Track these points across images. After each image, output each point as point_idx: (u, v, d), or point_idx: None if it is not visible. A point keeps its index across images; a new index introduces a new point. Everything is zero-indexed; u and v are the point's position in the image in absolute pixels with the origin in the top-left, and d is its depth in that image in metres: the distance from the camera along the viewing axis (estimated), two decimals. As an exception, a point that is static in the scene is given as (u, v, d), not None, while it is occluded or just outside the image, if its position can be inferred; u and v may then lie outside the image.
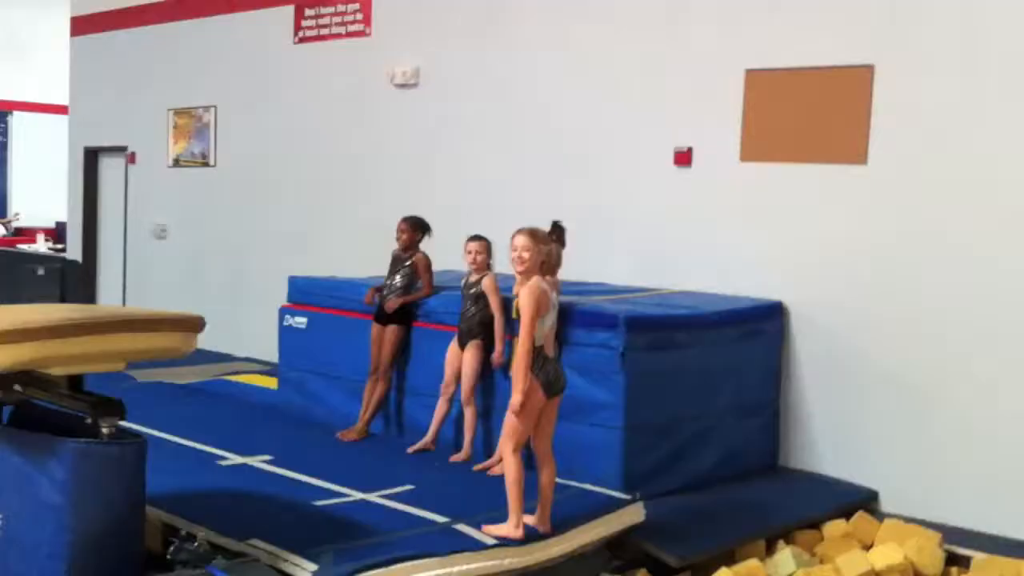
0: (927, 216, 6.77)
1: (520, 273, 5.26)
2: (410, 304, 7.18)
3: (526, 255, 5.19)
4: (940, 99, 6.71)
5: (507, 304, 6.58)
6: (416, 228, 7.24)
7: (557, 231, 5.84)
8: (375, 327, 7.22)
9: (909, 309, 6.82)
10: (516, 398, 5.06)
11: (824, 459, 7.21)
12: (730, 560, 5.77)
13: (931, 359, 6.74)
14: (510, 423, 5.16)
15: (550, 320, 5.22)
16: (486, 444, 6.61)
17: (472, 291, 6.65)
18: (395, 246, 7.29)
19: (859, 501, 6.78)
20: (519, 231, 5.29)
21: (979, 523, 6.42)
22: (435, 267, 7.33)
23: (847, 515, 6.51)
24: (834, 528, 6.37)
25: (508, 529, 5.13)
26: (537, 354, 5.12)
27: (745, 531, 6.07)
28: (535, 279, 5.17)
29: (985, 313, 6.53)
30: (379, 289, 7.28)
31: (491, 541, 5.05)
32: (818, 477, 7.17)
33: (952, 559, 5.99)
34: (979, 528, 6.40)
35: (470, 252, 6.64)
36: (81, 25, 13.66)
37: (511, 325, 6.17)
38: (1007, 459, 6.43)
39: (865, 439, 7.01)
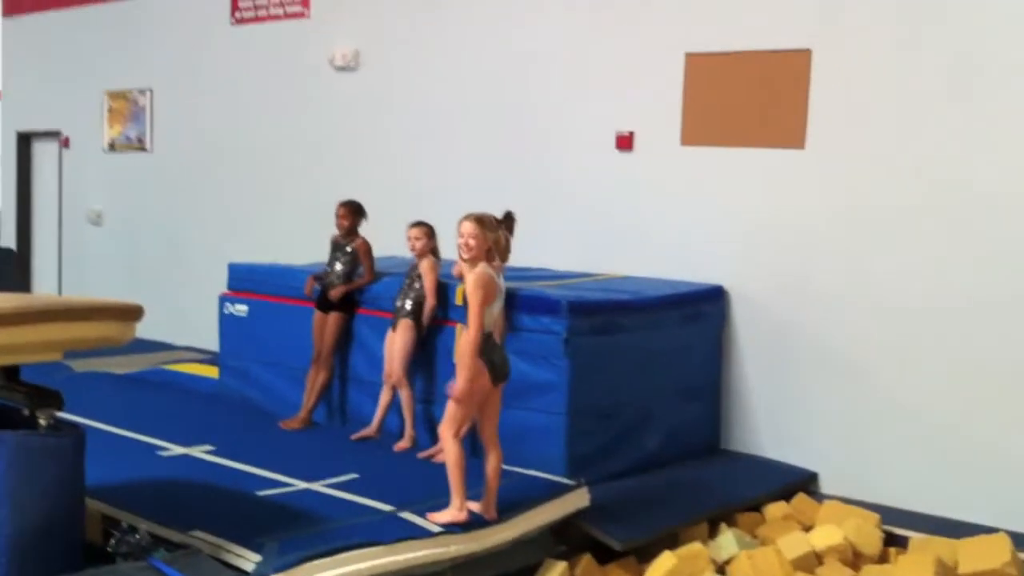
0: (863, 198, 6.85)
1: (466, 260, 5.22)
2: (353, 291, 7.14)
3: (472, 242, 5.15)
4: (877, 82, 6.79)
5: (444, 289, 6.59)
6: (356, 213, 7.19)
7: (508, 220, 5.79)
8: (317, 314, 7.17)
9: (847, 291, 6.91)
10: (461, 385, 5.05)
11: (765, 441, 7.30)
12: (673, 543, 5.82)
13: (869, 341, 6.84)
14: (451, 409, 5.16)
15: (498, 307, 5.22)
16: (432, 431, 6.59)
17: (410, 272, 6.68)
18: (335, 231, 7.24)
19: (799, 483, 6.87)
20: (466, 217, 5.23)
21: (916, 504, 6.53)
22: (378, 253, 7.29)
23: (788, 497, 6.60)
24: (775, 510, 6.45)
25: (452, 513, 5.14)
26: (486, 340, 5.12)
27: (688, 514, 6.12)
28: (482, 266, 5.15)
29: (920, 293, 6.63)
30: (319, 277, 7.23)
31: (437, 528, 5.05)
32: (759, 459, 7.26)
33: (890, 539, 6.09)
34: (917, 509, 6.51)
35: (410, 238, 6.62)
36: (12, 5, 13.37)
37: (458, 312, 6.18)
38: (943, 441, 6.55)
39: (805, 421, 7.10)
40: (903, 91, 6.69)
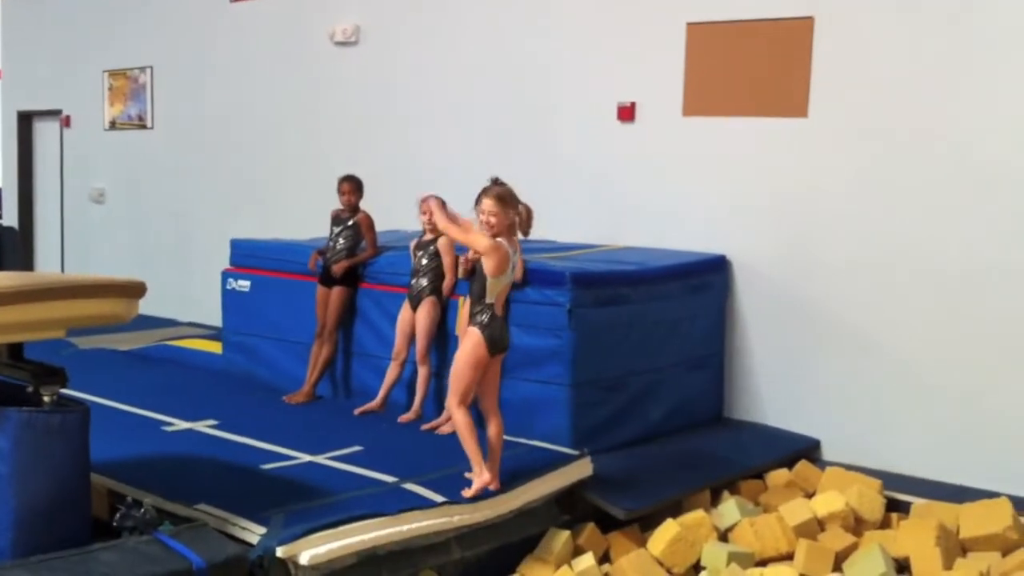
0: (867, 166, 6.84)
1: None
2: (356, 265, 7.15)
3: (493, 220, 5.12)
4: (879, 49, 6.76)
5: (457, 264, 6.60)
6: (360, 188, 7.19)
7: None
8: (320, 289, 7.18)
9: (849, 259, 6.91)
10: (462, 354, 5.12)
11: (768, 409, 7.32)
12: (676, 511, 5.84)
13: (871, 308, 6.84)
14: (453, 379, 5.21)
15: (505, 280, 5.21)
16: (438, 404, 6.61)
17: (426, 251, 6.64)
18: (335, 206, 7.23)
19: (801, 450, 6.90)
20: (486, 193, 5.18)
21: (918, 469, 6.56)
22: (379, 227, 7.29)
23: (790, 464, 6.62)
24: (777, 477, 6.48)
25: (478, 482, 5.19)
26: (485, 310, 5.15)
27: (690, 483, 6.14)
28: (499, 239, 5.15)
29: (924, 262, 6.62)
30: (322, 252, 7.23)
31: (440, 499, 5.07)
32: (762, 427, 7.28)
33: (892, 505, 6.11)
34: (918, 474, 6.54)
35: (424, 212, 6.59)
36: (11, -14, 13.35)
37: (463, 286, 6.21)
38: (945, 406, 6.57)
39: (807, 389, 7.12)
40: (906, 57, 6.66)
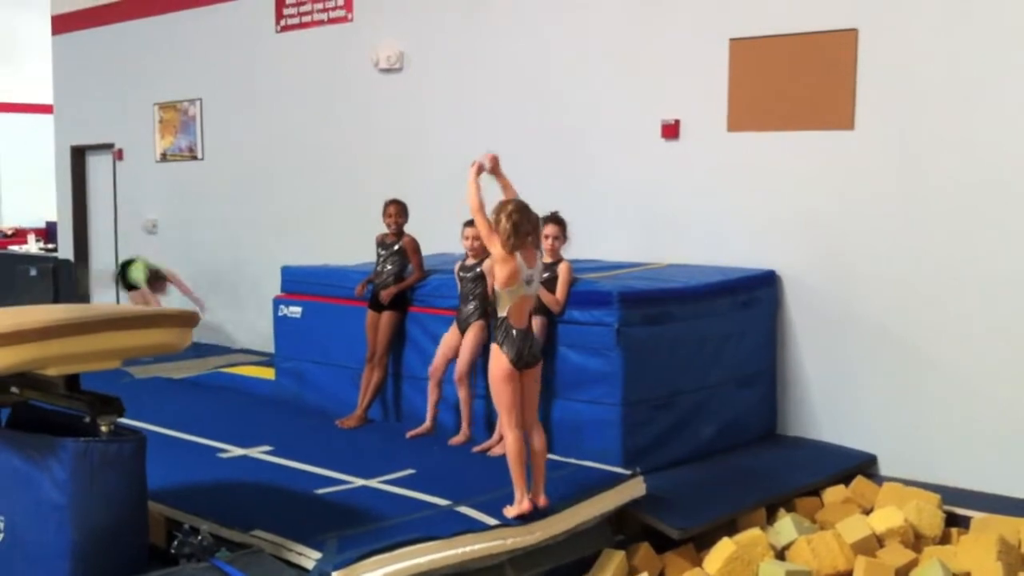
0: (916, 178, 6.78)
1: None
2: (404, 290, 7.19)
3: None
4: (925, 60, 6.71)
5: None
6: (405, 211, 7.23)
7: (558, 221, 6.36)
8: (370, 314, 7.23)
9: (902, 272, 6.84)
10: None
11: (822, 425, 7.25)
12: (731, 530, 5.80)
13: (925, 321, 6.77)
14: (494, 397, 5.27)
15: (519, 293, 5.20)
16: (488, 426, 6.62)
17: (470, 274, 6.65)
18: (381, 230, 7.28)
19: (858, 466, 6.82)
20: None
21: (977, 483, 6.47)
22: (426, 251, 7.34)
23: (846, 480, 6.55)
24: (834, 494, 6.41)
25: (518, 509, 5.17)
26: (502, 325, 5.19)
27: (745, 500, 6.10)
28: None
29: (978, 273, 6.55)
30: (371, 279, 7.28)
31: (493, 522, 5.07)
32: (816, 443, 7.21)
33: (952, 519, 6.03)
34: (977, 488, 6.44)
35: (467, 238, 6.62)
36: (62, 23, 13.60)
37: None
38: (1003, 418, 6.47)
39: (862, 403, 7.04)
40: (952, 68, 6.60)
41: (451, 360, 6.70)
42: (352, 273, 7.64)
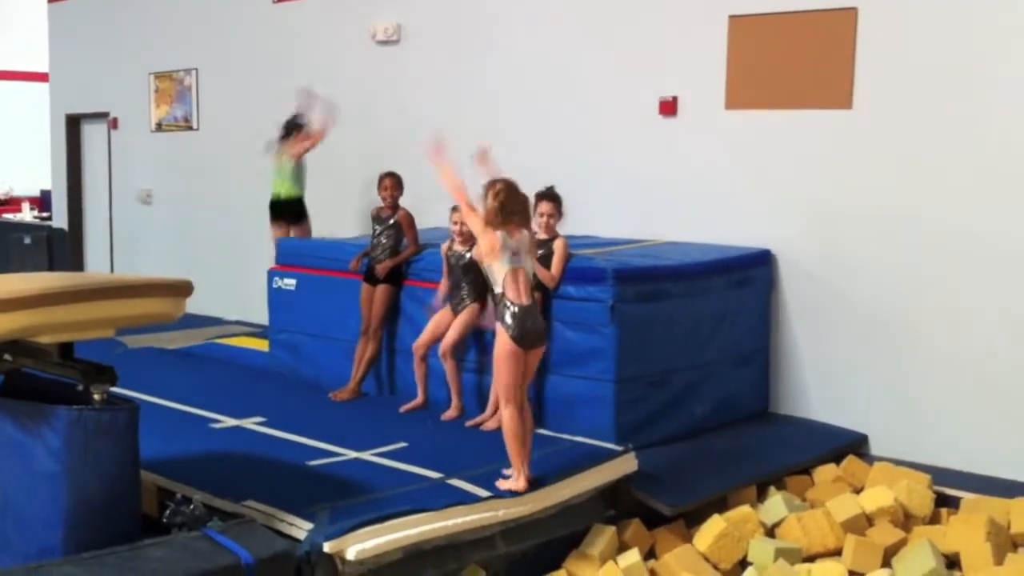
0: (912, 159, 6.77)
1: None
2: (400, 264, 7.18)
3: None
4: (924, 40, 6.69)
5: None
6: (401, 184, 7.22)
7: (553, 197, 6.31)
8: (365, 287, 7.22)
9: (896, 252, 6.84)
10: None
11: (814, 404, 7.27)
12: (722, 507, 5.82)
13: (918, 302, 6.77)
14: (495, 372, 5.28)
15: (504, 266, 5.20)
16: (480, 401, 6.63)
17: (461, 261, 6.62)
18: (375, 204, 7.26)
19: (849, 445, 6.84)
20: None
21: (968, 464, 6.48)
22: (421, 224, 7.32)
23: (837, 459, 6.56)
24: (825, 472, 6.43)
25: (510, 483, 5.20)
26: (503, 302, 5.18)
27: (736, 478, 6.12)
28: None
29: (971, 254, 6.55)
30: (366, 252, 7.26)
31: (485, 494, 5.09)
32: (808, 422, 7.23)
33: (942, 500, 6.05)
34: (968, 469, 6.46)
35: (456, 223, 6.59)
36: (58, -10, 13.53)
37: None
38: (994, 400, 6.49)
39: (854, 383, 7.06)
40: (951, 46, 6.58)
41: (438, 338, 6.68)
42: (347, 246, 7.63)
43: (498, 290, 5.21)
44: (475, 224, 5.27)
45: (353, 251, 7.39)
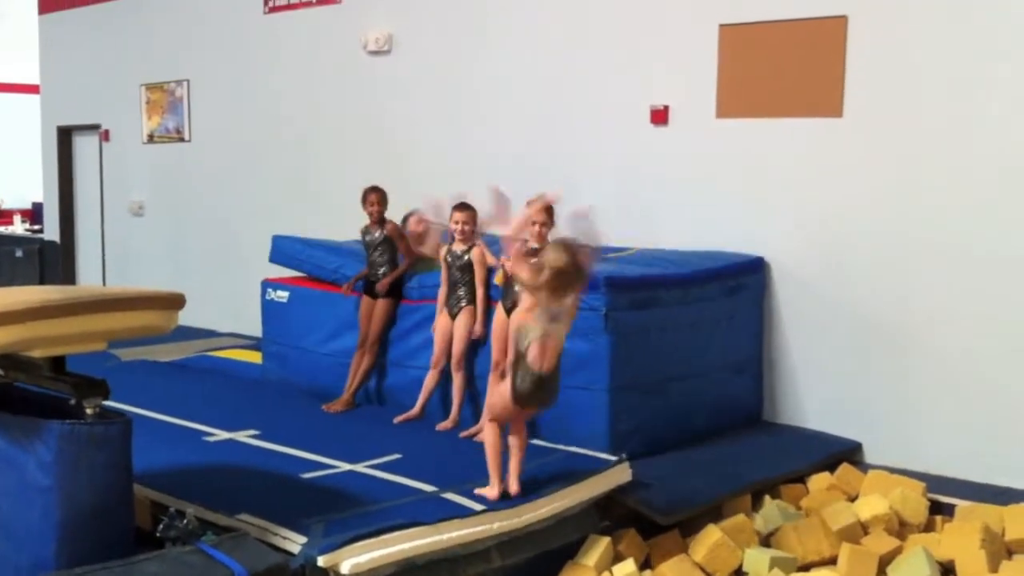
0: (904, 166, 6.78)
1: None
2: (399, 277, 7.18)
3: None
4: (915, 47, 6.70)
5: (488, 274, 6.60)
6: (386, 199, 7.21)
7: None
8: (366, 301, 7.23)
9: (889, 260, 6.85)
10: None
11: (808, 412, 7.27)
12: (717, 516, 5.81)
13: (912, 309, 6.78)
14: (489, 405, 5.30)
15: (540, 330, 5.01)
16: (475, 411, 6.62)
17: (459, 262, 6.63)
18: (364, 222, 7.25)
19: (843, 453, 6.84)
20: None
21: (962, 471, 6.49)
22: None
23: (832, 468, 6.57)
24: (819, 481, 6.42)
25: (485, 490, 5.21)
26: (519, 359, 5.05)
27: (731, 487, 6.10)
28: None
29: (964, 261, 6.56)
30: (359, 277, 7.29)
31: (479, 507, 5.08)
32: (802, 431, 7.23)
33: (936, 507, 6.05)
34: (962, 476, 6.47)
35: (456, 222, 6.59)
36: (48, 3, 13.51)
37: (496, 293, 6.26)
38: (988, 407, 6.49)
39: (848, 391, 7.06)
40: (942, 54, 6.59)
41: (450, 345, 6.68)
42: (340, 256, 7.62)
43: (521, 349, 5.02)
44: (521, 275, 5.03)
45: (347, 255, 7.39)
